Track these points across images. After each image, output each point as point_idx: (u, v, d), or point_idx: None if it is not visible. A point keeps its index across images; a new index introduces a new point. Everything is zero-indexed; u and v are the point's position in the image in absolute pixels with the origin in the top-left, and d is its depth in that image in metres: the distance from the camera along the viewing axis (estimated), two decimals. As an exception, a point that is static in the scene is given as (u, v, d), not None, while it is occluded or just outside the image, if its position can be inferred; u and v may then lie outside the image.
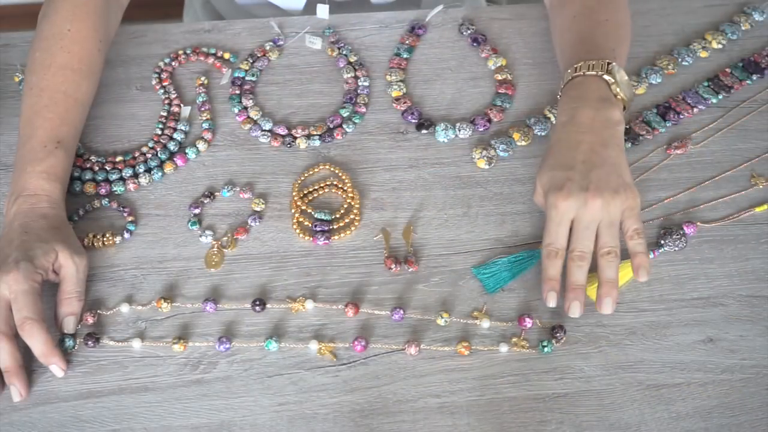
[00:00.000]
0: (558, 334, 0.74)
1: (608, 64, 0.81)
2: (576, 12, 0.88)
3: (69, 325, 0.75)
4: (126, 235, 0.82)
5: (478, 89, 0.94)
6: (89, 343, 0.75)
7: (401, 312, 0.76)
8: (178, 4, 1.30)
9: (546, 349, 0.74)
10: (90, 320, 0.76)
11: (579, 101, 0.80)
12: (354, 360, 0.74)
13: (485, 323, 0.76)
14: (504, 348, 0.74)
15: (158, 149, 0.88)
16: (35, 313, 0.71)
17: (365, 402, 0.72)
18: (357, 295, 0.78)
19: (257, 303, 0.77)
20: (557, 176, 0.76)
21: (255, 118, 0.91)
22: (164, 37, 0.99)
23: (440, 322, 0.76)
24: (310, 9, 1.04)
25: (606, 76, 0.81)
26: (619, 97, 0.81)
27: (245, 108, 0.92)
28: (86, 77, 0.85)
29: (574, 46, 0.85)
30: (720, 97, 0.92)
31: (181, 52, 0.97)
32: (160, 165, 0.87)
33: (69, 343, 0.74)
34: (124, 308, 0.77)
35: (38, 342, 0.71)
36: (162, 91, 0.93)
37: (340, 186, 0.85)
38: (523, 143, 0.89)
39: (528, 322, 0.75)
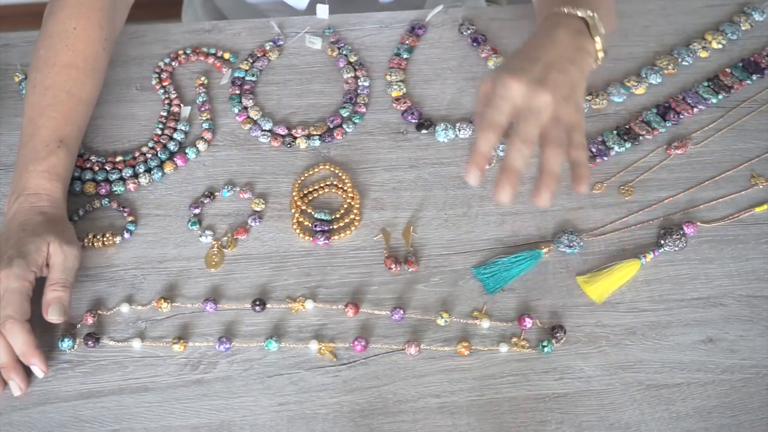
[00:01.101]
0: (558, 334, 0.74)
1: (589, 13, 0.78)
2: None
3: (54, 311, 0.73)
4: (126, 235, 0.82)
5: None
6: (89, 343, 0.75)
7: (401, 312, 0.76)
8: (177, 4, 1.30)
9: (546, 349, 0.74)
10: (90, 320, 0.76)
11: (557, 27, 0.76)
12: (354, 360, 0.74)
13: (485, 323, 0.76)
14: (504, 348, 0.74)
15: (158, 149, 0.88)
16: (18, 312, 0.71)
17: (365, 402, 0.72)
18: (357, 295, 0.78)
19: (257, 303, 0.77)
20: (515, 64, 0.72)
21: (255, 118, 0.91)
22: (164, 37, 0.99)
23: (440, 322, 0.76)
24: (313, 8, 1.04)
25: (588, 14, 0.77)
26: (597, 44, 0.78)
27: (245, 108, 0.92)
28: (91, 76, 0.85)
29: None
30: (720, 97, 0.92)
31: (181, 52, 0.97)
32: (160, 165, 0.87)
33: (68, 343, 0.74)
34: (124, 308, 0.77)
35: (18, 341, 0.71)
36: (162, 91, 0.93)
37: (340, 186, 0.85)
38: (523, 143, 0.89)
39: (528, 322, 0.75)
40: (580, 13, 0.77)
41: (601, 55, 0.79)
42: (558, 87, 0.71)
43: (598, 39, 0.78)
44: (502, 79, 0.70)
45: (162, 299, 0.77)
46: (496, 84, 0.71)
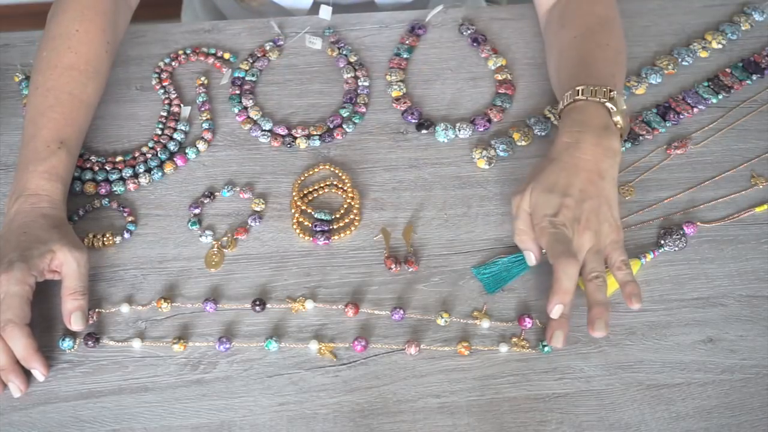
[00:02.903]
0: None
1: (610, 91, 0.80)
2: (577, 33, 0.87)
3: (77, 320, 0.74)
4: (126, 235, 0.82)
5: (478, 89, 0.94)
6: (89, 343, 0.75)
7: (401, 312, 0.76)
8: (177, 4, 1.29)
9: (546, 349, 0.74)
10: (90, 320, 0.76)
11: (582, 126, 0.79)
12: (354, 360, 0.74)
13: (485, 323, 0.76)
14: (504, 348, 0.74)
15: (158, 149, 0.88)
16: (18, 316, 0.71)
17: (365, 402, 0.72)
18: (357, 295, 0.78)
19: (257, 303, 0.77)
20: (552, 200, 0.75)
21: (255, 118, 0.91)
22: (164, 37, 0.99)
23: (440, 322, 0.76)
24: (315, 9, 1.04)
25: (608, 104, 0.80)
26: (618, 125, 0.80)
27: (245, 108, 0.92)
28: (93, 78, 0.85)
29: (575, 67, 0.84)
30: (720, 97, 0.92)
31: (181, 52, 0.97)
32: (160, 165, 0.87)
33: (68, 343, 0.74)
34: (124, 308, 0.77)
35: (18, 345, 0.71)
36: (162, 91, 0.93)
37: (340, 186, 0.85)
38: (523, 143, 0.89)
39: (528, 322, 0.75)
40: (601, 99, 0.80)
41: (623, 131, 0.81)
42: (594, 216, 0.75)
43: (619, 119, 0.80)
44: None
45: (162, 299, 0.77)
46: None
